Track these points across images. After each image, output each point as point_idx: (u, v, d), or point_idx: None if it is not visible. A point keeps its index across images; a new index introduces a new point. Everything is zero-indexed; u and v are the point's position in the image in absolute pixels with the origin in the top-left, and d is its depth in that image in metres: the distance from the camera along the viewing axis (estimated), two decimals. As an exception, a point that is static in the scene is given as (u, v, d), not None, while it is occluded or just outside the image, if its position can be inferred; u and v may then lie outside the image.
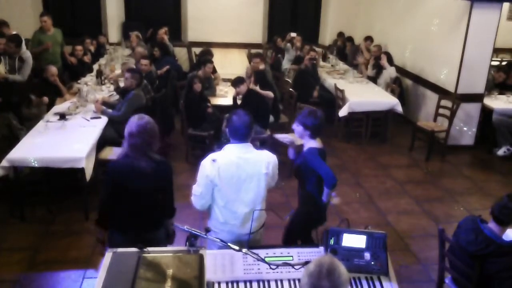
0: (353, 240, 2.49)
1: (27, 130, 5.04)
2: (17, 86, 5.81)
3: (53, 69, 5.96)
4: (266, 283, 2.39)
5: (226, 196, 2.82)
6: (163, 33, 8.80)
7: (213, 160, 2.77)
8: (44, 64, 6.55)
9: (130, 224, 2.95)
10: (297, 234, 3.54)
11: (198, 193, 2.85)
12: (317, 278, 1.69)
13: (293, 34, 9.13)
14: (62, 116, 5.25)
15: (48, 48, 6.97)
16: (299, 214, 3.51)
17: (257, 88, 6.25)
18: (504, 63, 9.02)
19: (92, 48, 8.35)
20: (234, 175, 2.78)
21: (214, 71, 7.31)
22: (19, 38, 6.12)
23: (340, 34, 9.93)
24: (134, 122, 2.83)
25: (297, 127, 3.34)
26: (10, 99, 5.39)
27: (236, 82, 5.94)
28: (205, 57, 7.15)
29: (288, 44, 9.03)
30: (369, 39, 8.95)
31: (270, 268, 2.36)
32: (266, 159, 2.87)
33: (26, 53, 6.27)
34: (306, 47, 8.50)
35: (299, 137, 3.41)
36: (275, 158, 2.91)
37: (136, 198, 2.92)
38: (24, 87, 5.76)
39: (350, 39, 9.68)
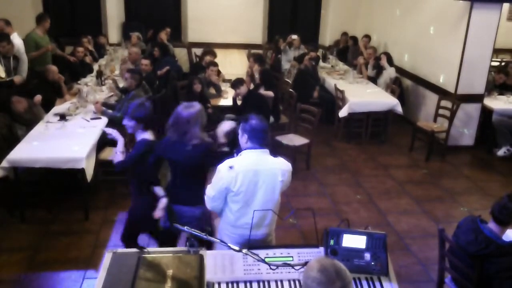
0: (353, 241, 2.49)
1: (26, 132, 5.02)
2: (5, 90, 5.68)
3: (55, 68, 5.96)
4: (266, 284, 2.39)
5: (240, 202, 2.80)
6: (163, 34, 8.81)
7: (230, 167, 2.72)
8: (38, 66, 6.52)
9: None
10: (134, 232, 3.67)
11: (211, 195, 2.84)
12: (329, 283, 1.68)
13: (294, 36, 9.14)
14: (62, 117, 5.25)
15: (49, 50, 6.89)
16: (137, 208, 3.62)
17: (262, 89, 6.28)
18: (504, 63, 9.02)
19: (90, 47, 8.32)
20: (251, 182, 2.76)
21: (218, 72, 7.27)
22: (7, 35, 5.99)
23: (344, 34, 9.92)
24: (176, 110, 3.23)
25: (129, 122, 3.42)
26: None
27: (236, 83, 5.94)
28: (210, 59, 7.17)
29: (287, 46, 9.04)
30: (366, 37, 8.98)
31: (270, 268, 2.36)
32: (283, 167, 2.84)
33: (20, 51, 6.20)
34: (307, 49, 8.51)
35: (132, 132, 3.52)
36: (290, 166, 2.90)
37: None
38: (5, 93, 5.47)
39: (353, 37, 9.67)
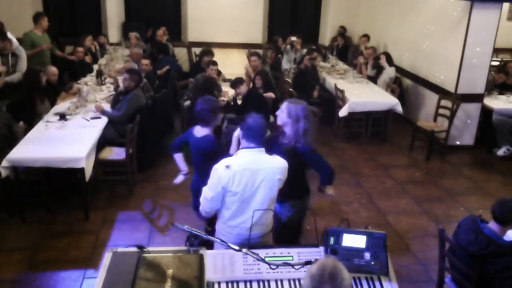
0: (353, 240, 2.49)
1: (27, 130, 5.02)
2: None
3: (54, 69, 5.97)
4: (266, 283, 2.39)
5: (238, 201, 2.78)
6: (161, 34, 8.79)
7: (227, 166, 2.70)
8: (36, 66, 6.50)
9: None
10: None
11: (208, 197, 2.80)
12: (318, 281, 1.67)
13: (293, 38, 9.14)
14: (62, 116, 5.25)
15: (46, 48, 6.88)
16: None
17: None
18: (503, 63, 9.01)
19: (93, 48, 8.31)
20: (249, 181, 2.74)
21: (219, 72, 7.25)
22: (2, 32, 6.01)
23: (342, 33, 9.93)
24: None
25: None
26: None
27: (235, 83, 5.93)
28: (208, 59, 7.13)
29: (288, 46, 9.05)
30: (365, 36, 8.99)
31: (270, 268, 2.36)
32: (280, 165, 2.83)
33: (19, 48, 6.19)
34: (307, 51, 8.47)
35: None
36: (286, 163, 2.87)
37: None
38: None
39: (343, 34, 9.61)
